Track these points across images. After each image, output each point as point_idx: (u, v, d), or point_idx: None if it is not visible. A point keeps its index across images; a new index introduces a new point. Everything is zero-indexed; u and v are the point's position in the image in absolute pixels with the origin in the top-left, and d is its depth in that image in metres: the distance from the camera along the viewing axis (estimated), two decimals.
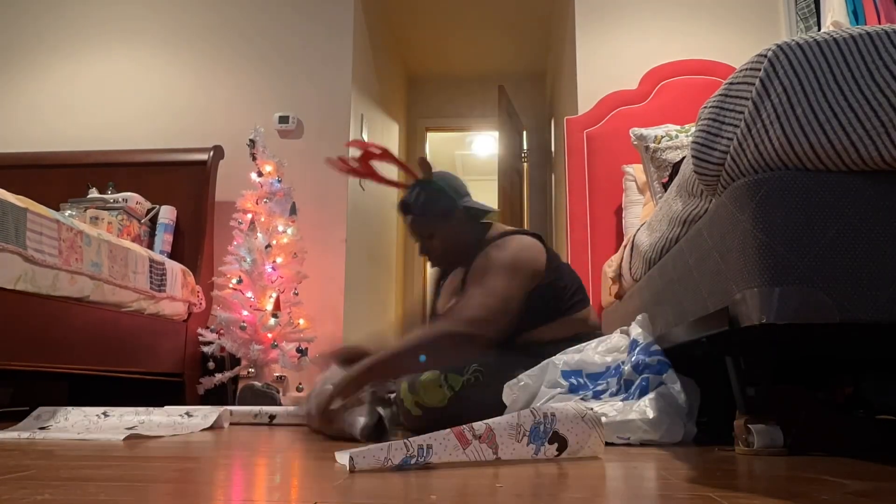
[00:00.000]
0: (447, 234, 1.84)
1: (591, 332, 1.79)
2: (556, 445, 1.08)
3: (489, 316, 1.62)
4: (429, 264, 1.99)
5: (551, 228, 5.07)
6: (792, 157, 1.06)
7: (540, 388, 1.52)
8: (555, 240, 4.75)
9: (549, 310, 1.77)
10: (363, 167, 1.91)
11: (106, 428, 1.60)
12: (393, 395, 1.75)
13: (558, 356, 1.58)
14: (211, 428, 1.75)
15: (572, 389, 1.51)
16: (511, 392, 1.54)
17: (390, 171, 2.15)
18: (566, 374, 1.53)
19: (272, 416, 2.02)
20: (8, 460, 1.07)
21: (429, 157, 5.79)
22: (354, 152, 1.94)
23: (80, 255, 2.15)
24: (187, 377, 2.87)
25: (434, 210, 1.82)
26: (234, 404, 2.90)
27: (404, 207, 1.86)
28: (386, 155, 1.90)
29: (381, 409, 1.56)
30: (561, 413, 1.09)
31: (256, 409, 2.06)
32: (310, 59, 3.64)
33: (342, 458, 0.98)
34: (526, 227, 5.13)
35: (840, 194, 1.06)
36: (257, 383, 2.57)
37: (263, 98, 3.62)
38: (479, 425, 1.04)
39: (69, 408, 1.75)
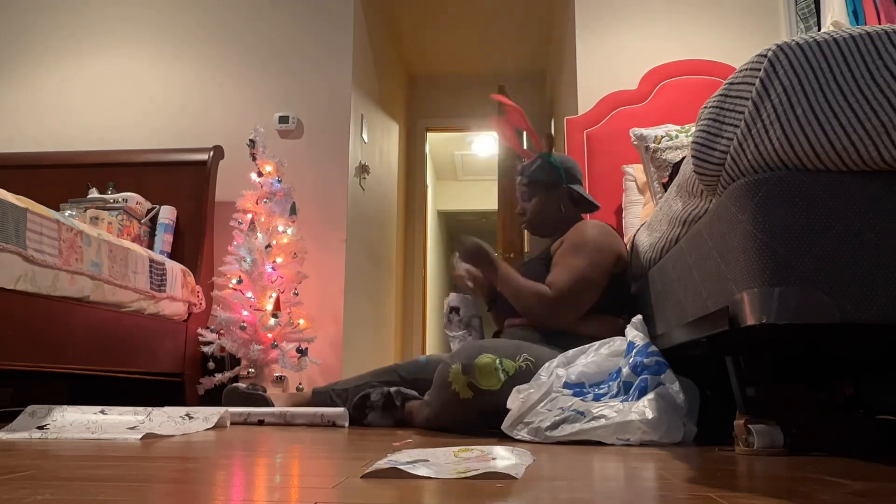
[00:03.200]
0: (544, 203, 2.08)
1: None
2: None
3: (571, 299, 1.83)
4: (523, 230, 2.30)
5: None
6: (792, 157, 1.06)
7: (543, 393, 1.52)
8: None
9: (606, 304, 1.87)
10: (508, 126, 2.21)
11: (108, 426, 1.60)
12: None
13: (560, 366, 1.58)
14: (213, 428, 1.75)
15: (575, 394, 1.52)
16: (518, 396, 1.54)
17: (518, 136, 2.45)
18: (567, 386, 1.54)
19: (261, 421, 1.98)
20: (8, 460, 1.07)
21: (429, 157, 5.80)
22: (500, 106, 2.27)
23: (80, 255, 2.15)
24: (187, 377, 2.87)
25: (540, 178, 2.08)
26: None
27: (522, 170, 2.13)
28: (522, 119, 2.18)
29: (390, 389, 1.95)
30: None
31: (246, 410, 2.03)
32: (310, 60, 3.64)
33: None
34: None
35: (840, 194, 1.06)
36: (241, 385, 2.46)
37: (263, 98, 3.63)
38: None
39: (64, 406, 1.75)
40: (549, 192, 2.08)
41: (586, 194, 2.09)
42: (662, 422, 1.36)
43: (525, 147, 2.36)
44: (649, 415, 1.36)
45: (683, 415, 1.41)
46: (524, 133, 2.30)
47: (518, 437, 1.47)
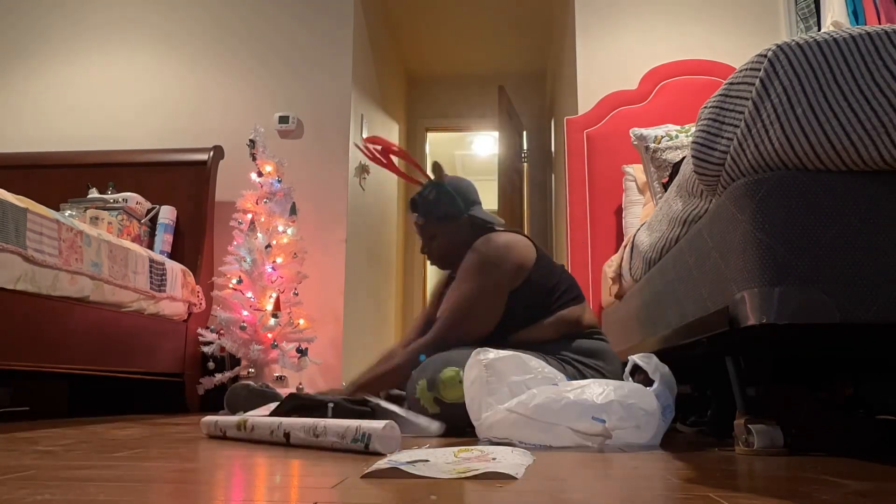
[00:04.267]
0: (448, 237, 1.93)
1: (584, 331, 1.79)
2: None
3: (459, 323, 1.74)
4: (429, 263, 2.07)
5: (551, 229, 5.07)
6: (792, 157, 1.06)
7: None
8: (555, 240, 4.75)
9: (535, 309, 1.79)
10: (385, 158, 2.05)
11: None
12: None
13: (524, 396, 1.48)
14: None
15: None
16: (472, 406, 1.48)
17: (406, 169, 2.34)
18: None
19: (287, 434, 1.35)
20: (8, 460, 1.07)
21: (428, 157, 5.79)
22: (375, 146, 2.07)
23: (80, 255, 2.15)
24: (187, 377, 2.87)
25: (439, 212, 1.91)
26: (221, 408, 2.83)
27: (412, 205, 1.96)
28: (403, 153, 2.04)
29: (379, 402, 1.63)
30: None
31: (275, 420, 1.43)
32: (310, 60, 3.65)
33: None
34: (526, 228, 5.13)
35: (840, 194, 1.06)
36: (252, 382, 2.27)
37: (263, 98, 3.63)
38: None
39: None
40: (450, 223, 1.92)
41: (487, 216, 1.94)
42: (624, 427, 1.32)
43: (409, 174, 2.21)
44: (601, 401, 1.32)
45: (653, 417, 1.37)
46: (406, 165, 2.21)
47: (494, 440, 1.43)
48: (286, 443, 1.32)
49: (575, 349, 1.75)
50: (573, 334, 1.78)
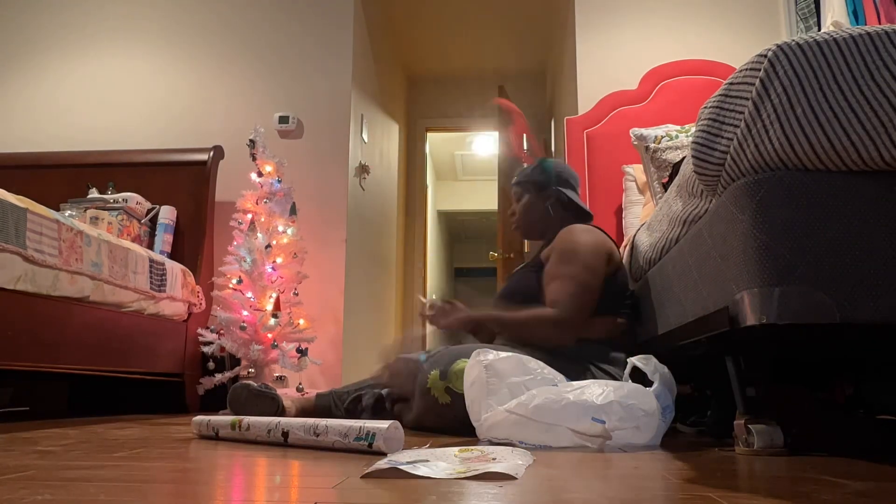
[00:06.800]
0: (531, 204, 2.10)
1: (624, 342, 1.86)
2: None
3: (579, 310, 1.80)
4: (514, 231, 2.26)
5: None
6: (792, 157, 1.06)
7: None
8: None
9: (606, 302, 1.86)
10: (515, 132, 2.27)
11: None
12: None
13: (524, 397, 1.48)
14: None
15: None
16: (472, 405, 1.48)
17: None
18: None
19: (286, 433, 1.33)
20: (8, 460, 1.07)
21: (429, 157, 5.80)
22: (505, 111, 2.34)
23: (80, 255, 2.15)
24: (187, 377, 2.87)
25: (531, 179, 2.11)
26: (221, 408, 2.84)
27: (518, 173, 2.17)
28: (524, 123, 2.31)
29: (381, 391, 1.79)
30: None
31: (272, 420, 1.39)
32: (310, 60, 3.64)
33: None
34: None
35: (840, 194, 1.06)
36: (252, 382, 2.33)
37: (263, 98, 3.62)
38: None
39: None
40: (539, 193, 2.09)
41: (578, 201, 2.09)
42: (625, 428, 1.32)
43: (526, 151, 2.41)
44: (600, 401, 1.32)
45: (653, 417, 1.37)
46: (524, 137, 2.35)
47: (494, 441, 1.42)
48: (284, 442, 1.31)
49: (613, 358, 1.80)
50: (615, 342, 1.84)
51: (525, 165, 2.15)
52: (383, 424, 1.17)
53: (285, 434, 1.31)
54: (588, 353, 1.78)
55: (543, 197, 2.08)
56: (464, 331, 1.98)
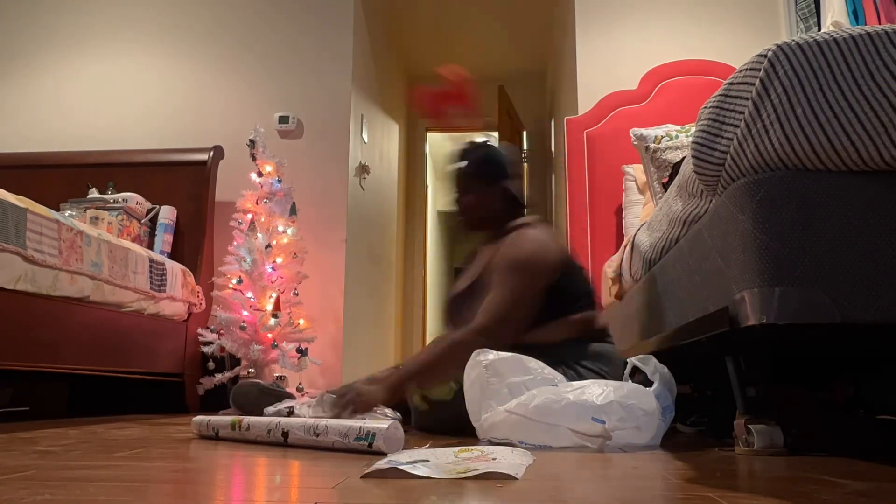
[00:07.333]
0: (478, 198, 1.93)
1: (596, 335, 1.79)
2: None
3: (502, 321, 1.69)
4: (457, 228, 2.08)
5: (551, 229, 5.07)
6: (792, 157, 1.06)
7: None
8: None
9: (554, 309, 1.77)
10: (441, 104, 2.08)
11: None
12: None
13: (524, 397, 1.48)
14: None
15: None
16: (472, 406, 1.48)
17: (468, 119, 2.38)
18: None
19: (286, 433, 1.33)
20: (8, 460, 1.07)
21: (428, 157, 5.79)
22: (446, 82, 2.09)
23: (80, 255, 2.15)
24: (187, 377, 2.87)
25: (482, 171, 1.93)
26: (221, 407, 2.84)
27: (461, 154, 1.97)
28: (470, 102, 2.07)
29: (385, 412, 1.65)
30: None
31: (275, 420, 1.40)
32: (310, 60, 3.65)
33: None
34: None
35: (840, 194, 1.05)
36: (262, 381, 2.22)
37: (263, 98, 3.62)
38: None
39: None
40: (489, 186, 1.92)
41: (519, 193, 1.95)
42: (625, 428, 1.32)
43: (449, 114, 2.25)
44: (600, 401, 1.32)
45: (653, 417, 1.37)
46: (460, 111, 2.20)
47: (494, 441, 1.42)
48: (284, 442, 1.32)
49: (585, 353, 1.74)
50: (584, 338, 1.77)
51: (472, 143, 1.97)
52: (383, 424, 1.17)
53: (285, 434, 1.31)
54: (551, 354, 1.66)
55: (493, 191, 1.92)
56: (391, 402, 1.67)
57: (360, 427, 1.18)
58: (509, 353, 1.47)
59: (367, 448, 1.16)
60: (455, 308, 1.91)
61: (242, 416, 1.45)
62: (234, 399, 2.05)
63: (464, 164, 1.96)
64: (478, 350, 1.48)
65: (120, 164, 3.31)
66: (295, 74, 3.64)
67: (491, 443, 1.36)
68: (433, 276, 6.28)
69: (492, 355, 1.46)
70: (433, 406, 1.64)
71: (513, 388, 1.41)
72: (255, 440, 1.38)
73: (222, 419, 1.48)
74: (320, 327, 3.21)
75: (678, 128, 2.62)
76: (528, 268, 1.75)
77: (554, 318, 1.76)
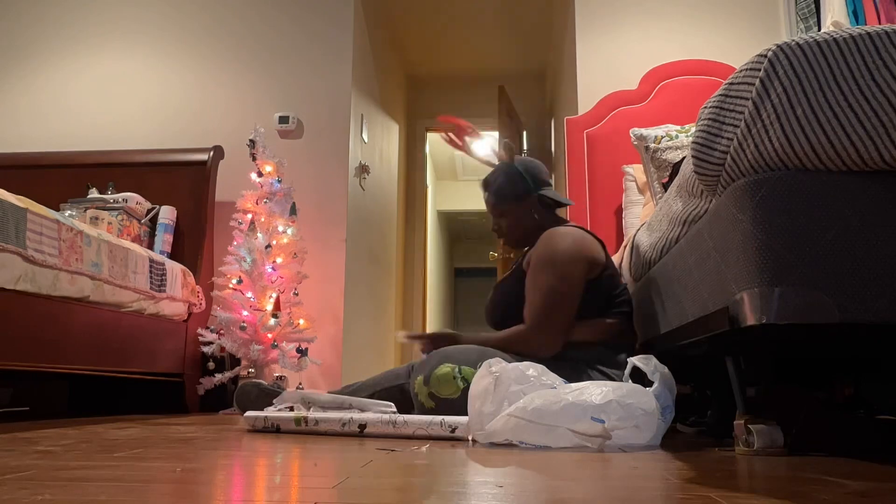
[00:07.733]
0: (516, 216, 2.00)
1: (621, 343, 1.82)
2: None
3: (548, 319, 1.77)
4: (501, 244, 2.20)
5: None
6: (792, 157, 1.06)
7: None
8: None
9: (590, 307, 1.82)
10: (459, 139, 2.22)
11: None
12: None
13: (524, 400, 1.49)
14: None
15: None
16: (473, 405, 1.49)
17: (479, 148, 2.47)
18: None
19: (363, 426, 1.59)
20: (8, 460, 1.07)
21: (429, 157, 5.79)
22: (448, 126, 2.24)
23: (80, 255, 2.15)
24: (187, 377, 2.87)
25: (507, 192, 1.99)
26: (223, 407, 2.86)
27: (484, 185, 2.06)
28: (474, 132, 2.21)
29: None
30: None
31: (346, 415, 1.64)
32: (310, 60, 3.65)
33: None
34: None
35: (840, 194, 1.05)
36: (264, 381, 2.27)
37: (263, 98, 3.63)
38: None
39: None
40: (520, 203, 1.98)
41: (557, 196, 2.00)
42: (624, 428, 1.32)
43: (469, 148, 2.35)
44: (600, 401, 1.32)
45: (652, 417, 1.37)
46: (467, 140, 2.30)
47: (480, 441, 1.43)
48: (360, 433, 1.55)
49: (621, 362, 1.75)
50: (610, 342, 1.80)
51: (491, 173, 2.04)
52: (463, 419, 1.45)
53: (362, 427, 1.56)
54: (583, 357, 1.75)
55: (525, 206, 1.98)
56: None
57: (441, 421, 1.49)
58: (514, 363, 1.48)
59: (451, 433, 1.46)
60: (495, 308, 1.98)
61: (307, 413, 1.65)
62: (237, 399, 2.07)
63: (486, 194, 2.04)
64: (489, 360, 1.49)
65: (120, 164, 3.31)
66: (295, 74, 3.64)
67: (492, 444, 1.36)
68: (433, 276, 6.29)
69: (500, 367, 1.47)
70: (439, 404, 1.64)
71: (511, 396, 1.41)
72: (326, 433, 1.60)
73: (284, 415, 1.66)
74: (320, 327, 3.21)
75: (678, 128, 2.62)
76: (557, 262, 1.80)
77: (590, 317, 1.80)
